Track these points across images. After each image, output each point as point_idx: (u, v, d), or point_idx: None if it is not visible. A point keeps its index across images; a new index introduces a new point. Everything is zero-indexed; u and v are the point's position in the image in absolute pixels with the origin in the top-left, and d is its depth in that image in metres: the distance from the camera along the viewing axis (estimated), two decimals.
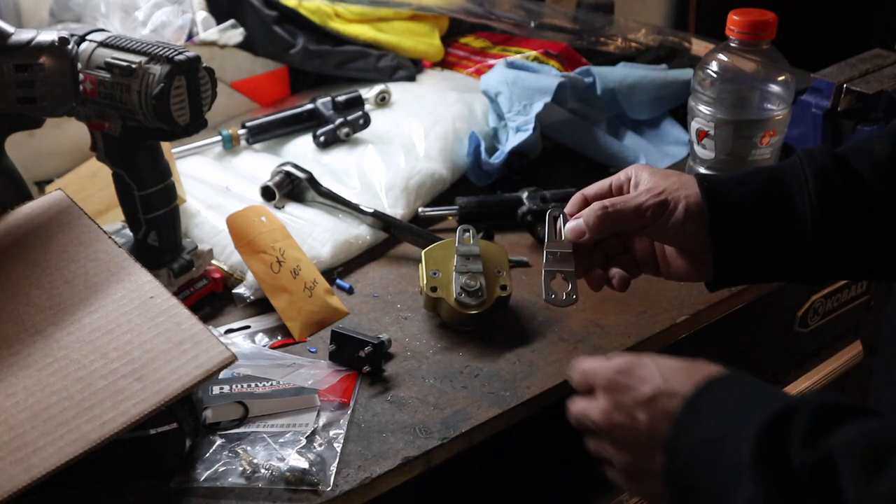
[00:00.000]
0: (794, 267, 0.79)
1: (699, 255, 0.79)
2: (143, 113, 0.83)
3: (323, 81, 1.41)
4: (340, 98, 1.26)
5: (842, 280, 0.81)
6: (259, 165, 1.17)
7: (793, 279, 0.82)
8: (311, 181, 1.09)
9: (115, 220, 0.99)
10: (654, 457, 0.65)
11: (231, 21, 1.32)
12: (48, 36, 0.81)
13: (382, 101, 1.31)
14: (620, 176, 0.82)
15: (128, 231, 0.94)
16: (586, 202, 0.83)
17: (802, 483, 0.55)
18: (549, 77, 1.24)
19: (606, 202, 0.78)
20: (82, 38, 0.86)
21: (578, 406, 0.72)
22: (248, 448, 0.77)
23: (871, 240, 0.77)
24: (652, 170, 0.81)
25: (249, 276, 0.96)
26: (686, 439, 0.62)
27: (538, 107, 1.19)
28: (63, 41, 0.81)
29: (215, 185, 1.13)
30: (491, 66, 1.37)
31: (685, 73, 1.31)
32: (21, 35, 0.81)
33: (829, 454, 0.54)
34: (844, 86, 1.14)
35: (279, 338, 0.92)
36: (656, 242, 0.82)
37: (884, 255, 0.78)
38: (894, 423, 0.56)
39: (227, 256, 1.01)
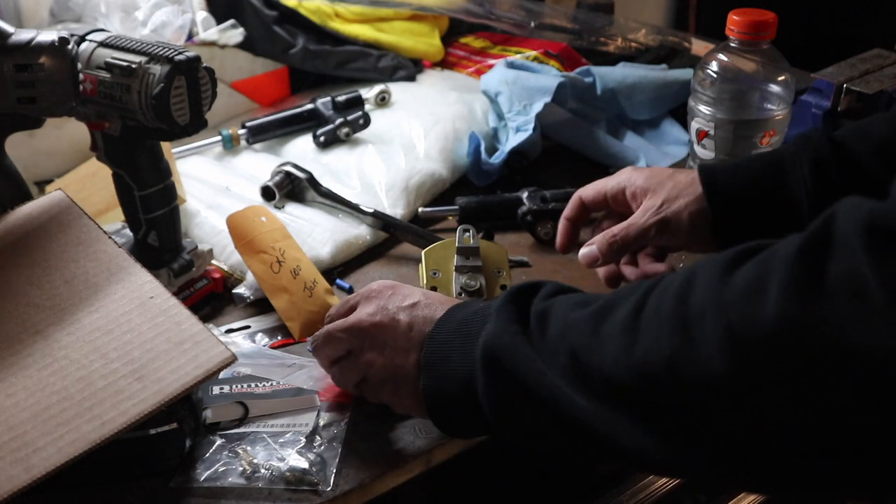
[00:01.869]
0: None
1: (705, 251, 0.84)
2: (143, 113, 0.83)
3: (323, 81, 1.41)
4: (340, 98, 1.26)
5: None
6: (259, 165, 1.17)
7: None
8: (311, 181, 1.09)
9: (115, 220, 0.99)
10: (409, 356, 0.72)
11: (231, 21, 1.32)
12: (48, 36, 0.81)
13: (382, 101, 1.31)
14: (615, 183, 0.86)
15: (128, 231, 0.94)
16: (584, 207, 0.88)
17: (530, 321, 0.64)
18: (549, 77, 1.24)
19: (615, 232, 0.84)
20: (82, 38, 0.86)
21: (329, 326, 0.77)
22: (248, 448, 0.77)
23: None
24: (646, 175, 0.83)
25: (249, 276, 0.96)
26: (442, 328, 0.70)
27: (538, 107, 1.19)
28: (63, 41, 0.81)
29: (215, 185, 1.13)
30: (491, 66, 1.37)
31: (685, 73, 1.31)
32: (21, 35, 0.81)
33: (553, 303, 0.65)
34: (844, 86, 1.14)
35: (279, 338, 0.92)
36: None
37: None
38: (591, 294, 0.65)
39: (227, 256, 1.01)
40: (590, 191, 0.89)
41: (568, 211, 0.90)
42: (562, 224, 0.91)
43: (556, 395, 0.60)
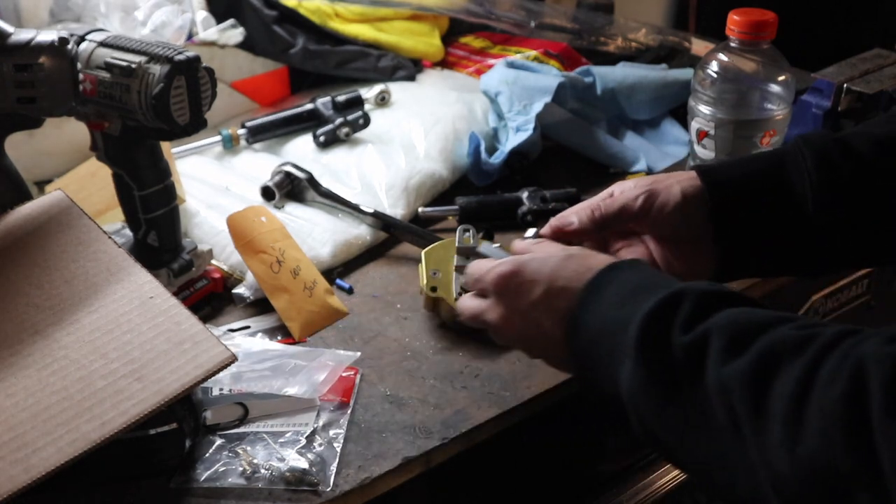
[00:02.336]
0: (796, 251, 0.79)
1: (700, 247, 0.79)
2: (143, 113, 0.83)
3: (323, 81, 1.41)
4: (340, 98, 1.26)
5: (845, 268, 0.81)
6: (259, 165, 1.17)
7: (796, 266, 0.82)
8: (311, 181, 1.09)
9: (115, 220, 0.99)
10: (559, 352, 0.69)
11: (231, 21, 1.32)
12: (48, 36, 0.81)
13: (382, 101, 1.31)
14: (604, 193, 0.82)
15: (128, 231, 0.94)
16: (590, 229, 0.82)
17: (677, 362, 0.59)
18: (549, 77, 1.24)
19: (597, 202, 0.80)
20: (82, 38, 0.86)
21: (470, 305, 0.76)
22: (248, 448, 0.77)
23: (872, 219, 0.77)
24: (637, 178, 0.81)
25: (249, 276, 0.96)
26: (581, 335, 0.66)
27: (538, 107, 1.19)
28: (63, 41, 0.81)
29: (215, 185, 1.13)
30: (491, 66, 1.37)
31: (685, 73, 1.31)
32: (21, 35, 0.81)
33: (703, 335, 0.59)
34: (844, 86, 1.14)
35: (279, 338, 0.92)
36: (656, 243, 0.82)
37: (885, 237, 0.78)
38: (763, 312, 0.59)
39: (227, 256, 1.01)
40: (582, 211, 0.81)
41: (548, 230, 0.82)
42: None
43: (706, 458, 0.58)
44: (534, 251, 0.75)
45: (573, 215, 0.80)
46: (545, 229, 0.82)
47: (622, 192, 0.80)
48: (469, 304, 0.77)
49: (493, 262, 0.76)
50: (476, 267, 0.77)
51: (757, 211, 0.78)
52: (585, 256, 0.71)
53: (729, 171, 0.79)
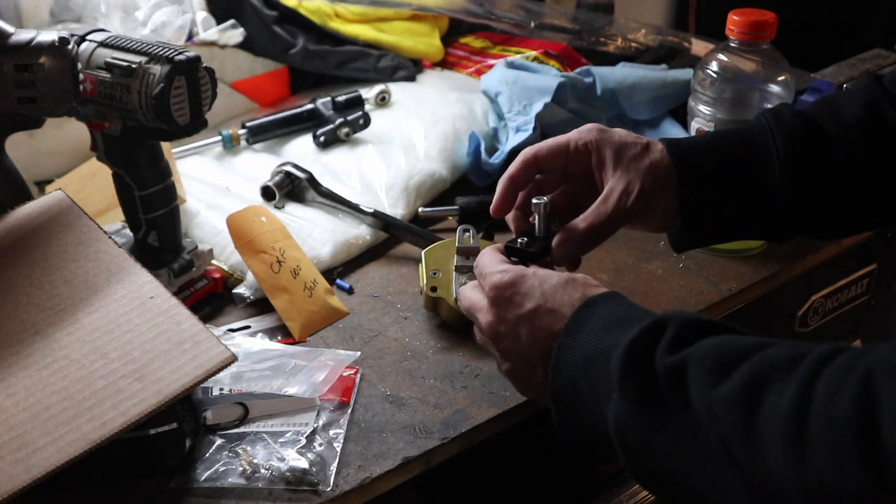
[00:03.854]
0: (761, 227, 0.82)
1: (663, 215, 0.81)
2: (143, 113, 0.83)
3: (323, 81, 1.41)
4: (340, 98, 1.26)
5: (806, 237, 0.84)
6: (259, 165, 1.17)
7: (757, 236, 0.85)
8: (311, 181, 1.09)
9: (115, 220, 0.99)
10: (535, 370, 0.71)
11: (231, 21, 1.32)
12: (48, 36, 0.81)
13: (382, 101, 1.31)
14: (580, 142, 0.81)
15: (128, 231, 0.94)
16: (534, 165, 0.82)
17: (662, 389, 0.59)
18: (549, 77, 1.24)
19: (592, 219, 0.79)
20: (82, 38, 0.86)
21: (469, 296, 0.78)
22: (248, 448, 0.77)
23: (836, 199, 0.79)
24: (616, 145, 0.79)
25: (249, 276, 0.96)
26: (566, 355, 0.67)
27: (538, 107, 1.19)
28: (63, 41, 0.81)
29: (215, 185, 1.13)
30: (491, 66, 1.37)
31: (685, 73, 1.31)
32: (21, 35, 0.81)
33: (684, 360, 0.58)
34: (844, 86, 1.14)
35: (279, 338, 0.92)
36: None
37: (848, 216, 0.82)
38: (748, 337, 0.59)
39: (227, 256, 1.01)
40: (546, 147, 0.81)
41: (514, 169, 0.82)
42: (503, 184, 0.82)
43: (701, 486, 0.57)
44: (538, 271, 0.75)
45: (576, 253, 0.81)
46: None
47: (610, 204, 0.79)
48: (469, 294, 0.79)
49: (501, 263, 0.77)
50: (484, 261, 0.78)
51: (723, 188, 0.79)
52: (585, 285, 0.71)
53: (695, 150, 0.80)
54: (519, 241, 0.81)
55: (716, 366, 0.57)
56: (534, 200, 0.81)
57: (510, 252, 0.82)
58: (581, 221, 0.79)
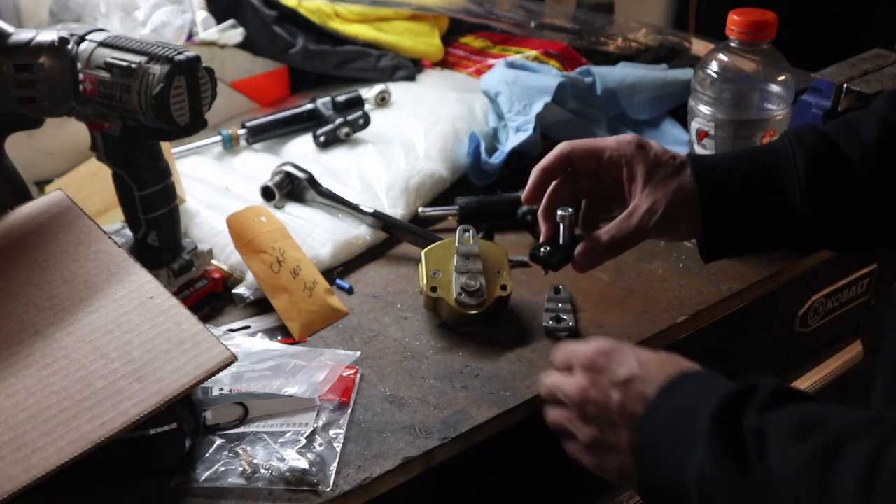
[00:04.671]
0: (782, 243, 0.83)
1: (683, 228, 0.82)
2: (143, 113, 0.83)
3: (323, 81, 1.41)
4: (340, 98, 1.26)
5: (827, 250, 0.86)
6: (259, 165, 1.17)
7: (781, 250, 0.87)
8: (311, 181, 1.09)
9: (115, 220, 0.99)
10: (620, 434, 0.70)
11: (231, 21, 1.32)
12: (48, 36, 0.81)
13: (382, 101, 1.31)
14: (614, 154, 0.82)
15: (128, 231, 0.94)
16: (567, 161, 0.84)
17: (747, 444, 0.60)
18: (549, 77, 1.24)
19: (614, 233, 0.81)
20: (82, 38, 0.86)
21: (554, 379, 0.76)
22: (248, 448, 0.77)
23: (856, 220, 0.81)
24: (649, 164, 0.81)
25: (249, 276, 0.96)
26: (655, 418, 0.67)
27: (538, 107, 1.19)
28: (63, 41, 0.81)
29: (215, 185, 1.13)
30: (491, 66, 1.37)
31: (685, 73, 1.31)
32: (21, 35, 0.81)
33: (770, 421, 0.60)
34: (844, 86, 1.14)
35: (279, 338, 0.92)
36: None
37: (869, 233, 0.83)
38: (834, 408, 0.60)
39: (227, 256, 1.01)
40: (582, 148, 0.84)
41: (549, 160, 0.84)
42: (535, 174, 0.84)
43: None
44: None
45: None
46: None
47: (637, 218, 0.81)
48: (550, 376, 0.77)
49: (584, 343, 0.76)
50: (568, 346, 0.78)
51: (744, 207, 0.80)
52: (681, 361, 0.72)
53: (719, 169, 0.81)
54: (542, 249, 0.84)
55: (799, 427, 0.58)
56: (559, 212, 0.83)
57: (533, 259, 0.84)
58: (604, 234, 0.82)
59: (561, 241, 0.84)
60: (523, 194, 0.86)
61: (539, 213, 0.86)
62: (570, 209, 0.83)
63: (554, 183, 0.85)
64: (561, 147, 0.84)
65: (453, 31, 1.54)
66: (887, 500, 0.51)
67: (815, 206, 0.79)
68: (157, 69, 0.82)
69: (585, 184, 0.86)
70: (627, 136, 0.83)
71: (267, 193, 1.09)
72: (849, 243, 0.84)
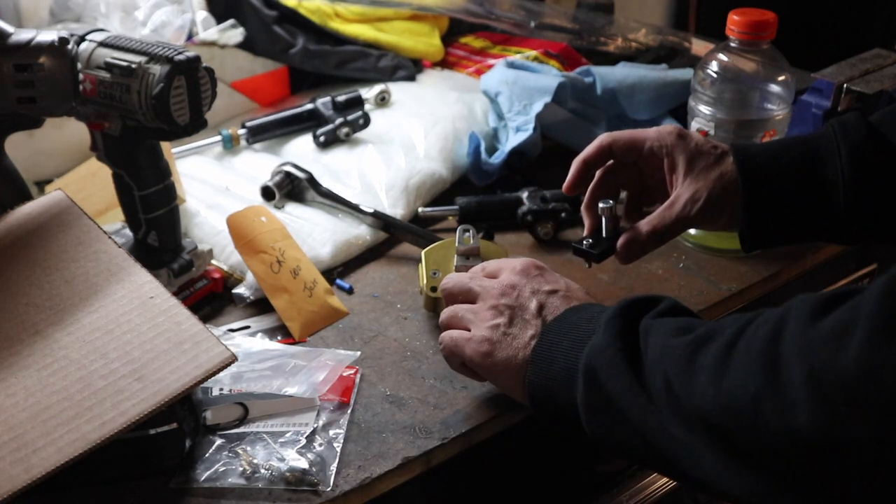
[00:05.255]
0: (825, 233, 0.84)
1: (725, 217, 0.83)
2: (143, 113, 0.83)
3: (323, 81, 1.41)
4: (340, 98, 1.26)
5: (873, 241, 0.86)
6: (259, 165, 1.17)
7: (825, 241, 0.87)
8: (311, 181, 1.09)
9: (115, 220, 0.99)
10: (526, 330, 0.74)
11: (231, 21, 1.32)
12: (48, 36, 0.81)
13: (382, 101, 1.31)
14: (655, 144, 0.84)
15: (128, 231, 0.94)
16: (608, 152, 0.86)
17: (637, 341, 0.65)
18: (549, 77, 1.24)
19: (655, 223, 0.83)
20: (82, 38, 0.86)
21: (471, 273, 0.82)
22: (248, 448, 0.77)
23: None
24: (690, 152, 0.82)
25: (249, 276, 0.96)
26: (559, 325, 0.73)
27: (538, 107, 1.19)
28: (63, 41, 0.81)
29: (215, 185, 1.13)
30: (491, 66, 1.37)
31: (685, 73, 1.31)
32: (21, 35, 0.81)
33: (660, 323, 0.65)
34: (844, 86, 1.14)
35: (279, 338, 0.92)
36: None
37: None
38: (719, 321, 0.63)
39: (227, 256, 1.01)
40: (623, 140, 0.85)
41: (589, 151, 0.86)
42: (576, 165, 0.87)
43: (648, 420, 0.62)
44: None
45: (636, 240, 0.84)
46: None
47: (679, 207, 0.82)
48: (472, 278, 0.81)
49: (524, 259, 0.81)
50: (508, 260, 0.82)
51: (786, 196, 0.81)
52: (589, 297, 0.78)
53: (762, 158, 0.82)
54: (585, 242, 0.85)
55: (681, 328, 0.63)
56: (600, 204, 0.84)
57: (576, 252, 0.86)
58: (645, 225, 0.83)
59: (604, 234, 0.85)
60: (564, 185, 0.88)
61: (582, 206, 0.87)
62: (612, 201, 0.84)
63: (596, 176, 0.87)
64: (602, 138, 0.85)
65: (453, 31, 1.54)
66: (739, 359, 0.56)
67: (858, 195, 0.78)
68: (157, 69, 0.82)
69: (626, 175, 0.87)
70: (668, 127, 0.85)
71: (267, 193, 1.09)
72: (892, 233, 0.83)
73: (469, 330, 0.77)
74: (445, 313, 0.81)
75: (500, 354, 0.74)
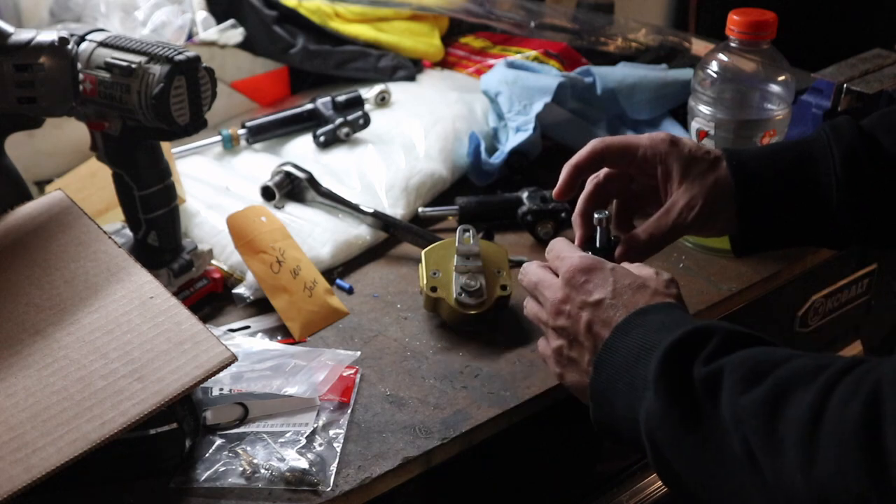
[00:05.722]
0: (818, 237, 0.83)
1: (719, 222, 0.83)
2: (143, 113, 0.83)
3: (323, 81, 1.41)
4: (340, 98, 1.26)
5: (865, 247, 0.86)
6: (259, 165, 1.17)
7: (815, 243, 0.86)
8: (311, 181, 1.09)
9: (115, 220, 0.99)
10: (583, 353, 0.72)
11: (231, 21, 1.32)
12: (48, 36, 0.81)
13: (382, 101, 1.31)
14: (649, 151, 0.82)
15: (128, 231, 0.94)
16: (600, 158, 0.84)
17: (696, 394, 0.61)
18: (549, 77, 1.24)
19: (652, 230, 0.82)
20: (82, 38, 0.86)
21: (541, 276, 0.78)
22: (248, 448, 0.77)
23: (893, 214, 0.80)
24: (685, 159, 0.81)
25: (249, 276, 0.96)
26: (611, 356, 0.69)
27: (538, 107, 1.19)
28: (63, 41, 0.81)
29: (215, 185, 1.13)
30: (491, 66, 1.37)
31: (685, 73, 1.31)
32: (21, 35, 0.81)
33: (720, 368, 0.60)
34: (844, 86, 1.14)
35: (279, 338, 0.92)
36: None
37: None
38: (783, 350, 0.61)
39: (227, 256, 1.01)
40: (616, 146, 0.83)
41: (581, 156, 0.84)
42: (567, 170, 0.84)
43: (723, 486, 0.59)
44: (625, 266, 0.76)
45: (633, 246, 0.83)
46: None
47: (675, 214, 0.81)
48: (536, 270, 0.79)
49: (577, 250, 0.79)
50: (560, 245, 0.79)
51: (780, 200, 0.81)
52: (655, 293, 0.72)
53: (755, 162, 0.81)
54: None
55: (747, 375, 0.59)
56: (595, 215, 0.83)
57: None
58: (642, 232, 0.82)
59: (598, 245, 0.83)
60: (555, 190, 0.86)
61: (574, 217, 0.86)
62: (606, 212, 0.83)
63: (587, 187, 0.86)
64: (594, 143, 0.84)
65: (453, 31, 1.54)
66: (829, 441, 0.52)
67: (851, 198, 0.79)
68: (157, 69, 0.82)
69: (617, 184, 0.86)
70: (660, 134, 0.84)
71: (267, 193, 1.09)
72: (885, 238, 0.83)
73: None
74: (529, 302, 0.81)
75: (569, 378, 0.75)
